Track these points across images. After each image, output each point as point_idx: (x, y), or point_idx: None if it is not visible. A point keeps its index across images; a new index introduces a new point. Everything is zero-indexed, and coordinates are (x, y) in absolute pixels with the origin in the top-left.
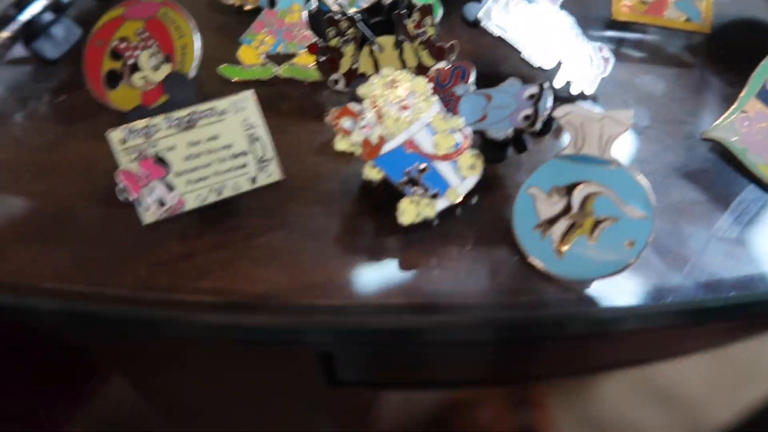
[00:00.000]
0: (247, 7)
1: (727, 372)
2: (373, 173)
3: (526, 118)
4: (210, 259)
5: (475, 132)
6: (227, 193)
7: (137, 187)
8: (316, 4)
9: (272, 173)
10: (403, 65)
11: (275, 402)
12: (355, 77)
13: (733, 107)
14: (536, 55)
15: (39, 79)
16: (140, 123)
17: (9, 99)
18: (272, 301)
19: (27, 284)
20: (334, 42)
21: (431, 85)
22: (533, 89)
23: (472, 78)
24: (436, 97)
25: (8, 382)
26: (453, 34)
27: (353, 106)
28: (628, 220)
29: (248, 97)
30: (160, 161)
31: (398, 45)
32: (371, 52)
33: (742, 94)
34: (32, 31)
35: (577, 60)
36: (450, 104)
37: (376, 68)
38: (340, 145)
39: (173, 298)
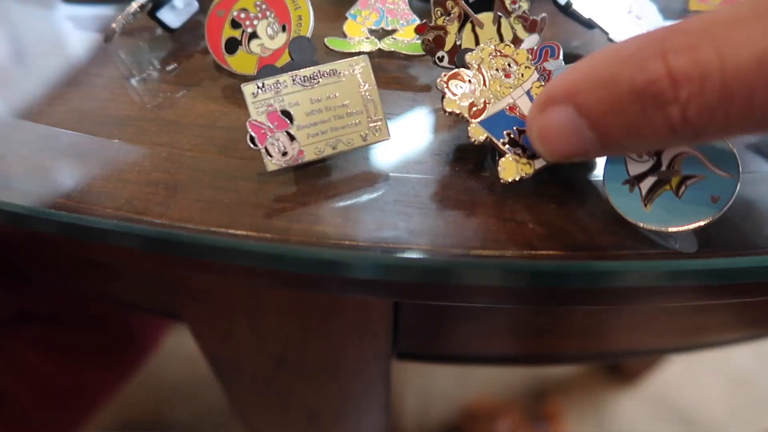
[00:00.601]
0: None
1: (746, 396)
2: (477, 133)
3: None
4: (322, 207)
5: None
6: (341, 147)
7: (264, 137)
8: None
9: (381, 133)
10: (501, 39)
11: (337, 373)
12: (458, 53)
13: None
14: (624, 39)
15: (159, 46)
16: (270, 80)
17: (133, 63)
18: (379, 245)
19: (160, 222)
20: (440, 21)
21: (531, 57)
22: None
23: (561, 55)
24: (534, 68)
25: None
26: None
27: (463, 72)
28: (714, 178)
29: (365, 60)
30: (285, 114)
31: (496, 20)
32: (473, 28)
33: None
34: (158, 1)
35: None
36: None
37: (477, 43)
38: (449, 105)
39: (289, 239)
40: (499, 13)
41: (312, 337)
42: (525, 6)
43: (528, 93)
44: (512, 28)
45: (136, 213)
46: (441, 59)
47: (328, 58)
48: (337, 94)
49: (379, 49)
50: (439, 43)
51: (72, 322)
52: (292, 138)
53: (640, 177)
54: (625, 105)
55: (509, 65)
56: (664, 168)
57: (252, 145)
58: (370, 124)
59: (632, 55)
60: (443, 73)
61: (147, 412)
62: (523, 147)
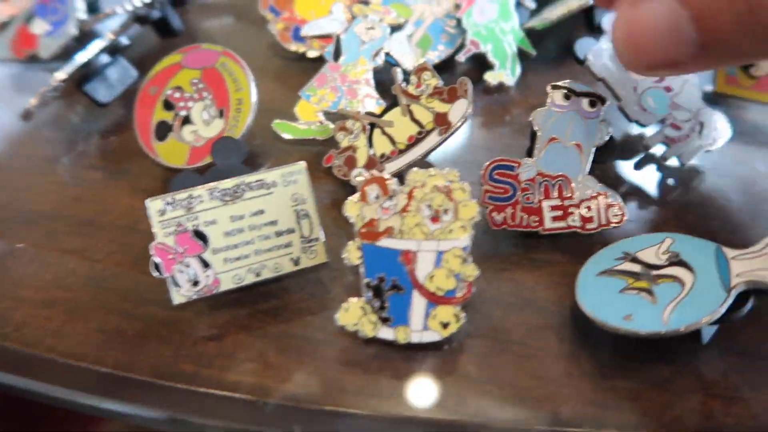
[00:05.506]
0: (311, 54)
1: None
2: (353, 255)
3: None
4: (241, 347)
5: None
6: (266, 274)
7: (170, 264)
8: (383, 58)
9: (317, 254)
10: (420, 125)
11: None
12: (377, 162)
13: None
14: (636, 109)
15: (89, 122)
16: (182, 194)
17: (56, 143)
18: (302, 406)
19: (45, 359)
20: (345, 142)
21: (477, 218)
22: None
23: None
24: (471, 233)
25: None
26: (535, 91)
27: (390, 183)
28: None
29: (301, 169)
30: (198, 235)
31: (406, 111)
32: (383, 131)
33: None
34: (87, 72)
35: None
36: None
37: (393, 143)
38: (351, 208)
39: (196, 391)
40: (407, 102)
41: None
42: (434, 82)
43: (439, 255)
44: (428, 108)
45: (24, 345)
46: (359, 176)
47: (280, 144)
48: (264, 210)
49: (334, 138)
50: (351, 163)
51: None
52: (206, 264)
53: None
54: None
55: (445, 211)
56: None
57: (156, 273)
58: (304, 245)
59: None
60: (375, 170)
61: None
62: (382, 304)
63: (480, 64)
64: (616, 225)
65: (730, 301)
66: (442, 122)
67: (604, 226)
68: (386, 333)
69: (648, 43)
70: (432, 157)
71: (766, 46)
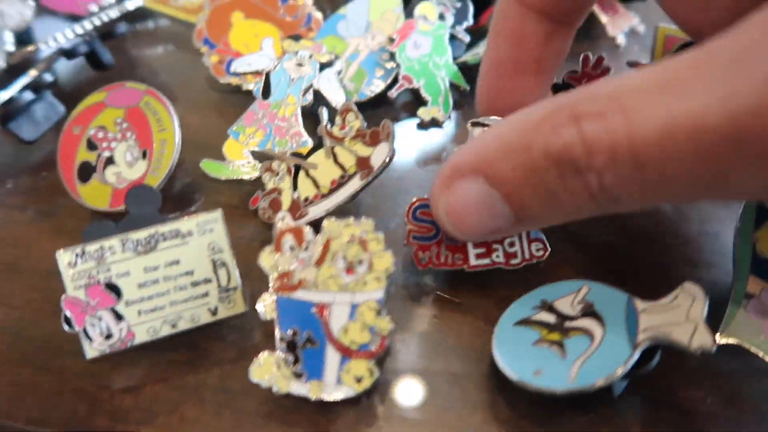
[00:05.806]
0: (246, 88)
1: None
2: (268, 309)
3: None
4: (157, 399)
5: None
6: (183, 325)
7: (82, 317)
8: (312, 96)
9: (236, 304)
10: (343, 169)
11: None
12: (300, 206)
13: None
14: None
15: (15, 160)
16: (93, 245)
17: None
18: None
19: None
20: (271, 184)
21: (392, 270)
22: None
23: None
24: (384, 285)
25: None
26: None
27: (307, 233)
28: None
29: (217, 218)
30: (111, 287)
31: (329, 153)
32: (307, 173)
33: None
34: (11, 110)
35: None
36: None
37: (317, 186)
38: (266, 259)
39: None
40: (331, 144)
41: None
42: (357, 123)
43: (353, 308)
44: (351, 151)
45: None
46: (283, 219)
47: (207, 183)
48: (179, 260)
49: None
50: (277, 205)
51: None
52: (119, 316)
53: None
54: (541, 172)
55: (360, 262)
56: None
57: (67, 327)
58: (222, 295)
59: (543, 121)
60: (289, 223)
61: None
62: (297, 358)
63: (417, 97)
64: (540, 259)
65: (635, 357)
66: (364, 166)
67: (528, 261)
68: (300, 388)
69: (468, 220)
70: (364, 195)
71: (575, 216)
